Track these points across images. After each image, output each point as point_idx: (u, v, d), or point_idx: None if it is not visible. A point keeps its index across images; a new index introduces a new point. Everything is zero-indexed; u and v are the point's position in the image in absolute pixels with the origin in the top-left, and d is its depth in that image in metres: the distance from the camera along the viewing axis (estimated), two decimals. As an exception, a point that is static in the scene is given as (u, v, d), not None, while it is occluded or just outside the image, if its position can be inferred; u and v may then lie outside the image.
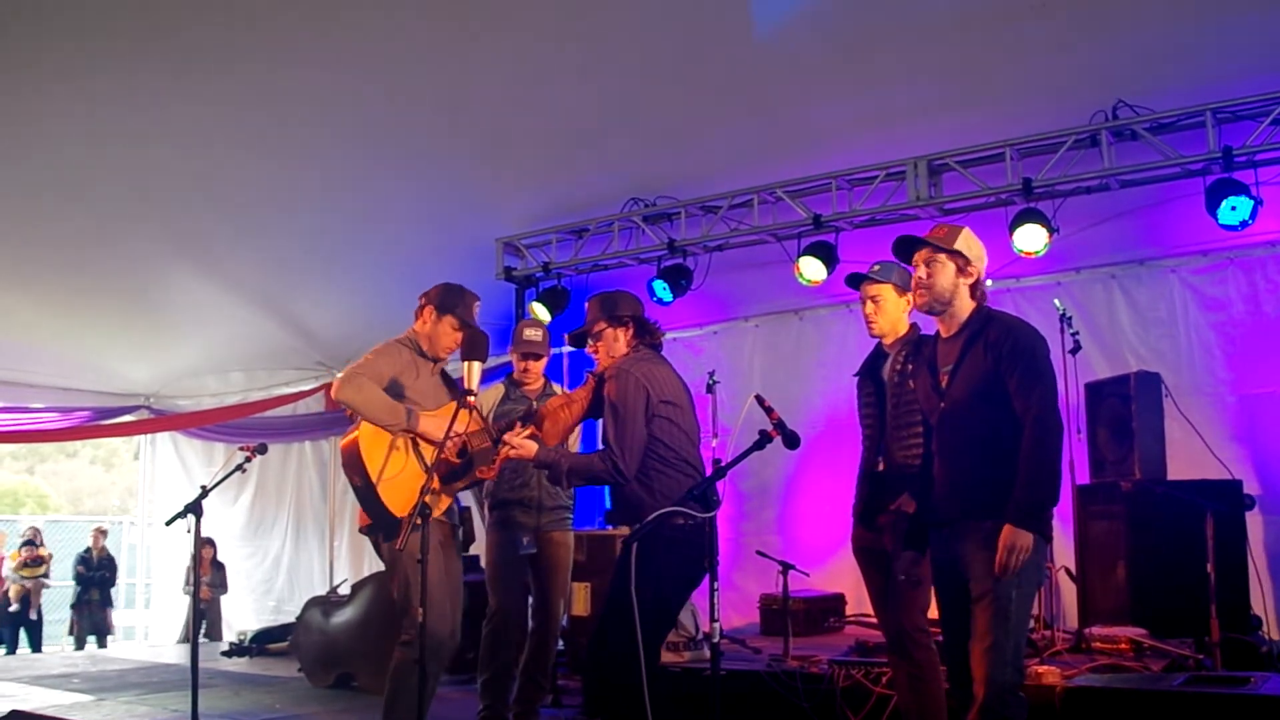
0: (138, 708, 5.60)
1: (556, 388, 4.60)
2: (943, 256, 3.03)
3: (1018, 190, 5.12)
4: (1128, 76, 4.85)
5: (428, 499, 3.32)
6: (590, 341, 3.62)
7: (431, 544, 3.50)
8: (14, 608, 10.34)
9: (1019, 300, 6.06)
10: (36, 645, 10.35)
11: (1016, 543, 2.73)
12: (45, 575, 10.72)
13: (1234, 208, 4.69)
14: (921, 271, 3.07)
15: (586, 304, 3.67)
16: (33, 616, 10.46)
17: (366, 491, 3.54)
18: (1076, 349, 5.14)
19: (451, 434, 3.44)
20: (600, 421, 3.53)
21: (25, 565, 10.51)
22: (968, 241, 3.06)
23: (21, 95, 5.43)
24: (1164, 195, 5.34)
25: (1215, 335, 5.74)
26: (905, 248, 3.18)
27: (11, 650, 10.16)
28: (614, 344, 3.56)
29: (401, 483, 3.56)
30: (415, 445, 3.64)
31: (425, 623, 3.28)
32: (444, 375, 3.91)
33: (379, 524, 3.60)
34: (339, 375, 3.65)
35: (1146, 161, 4.94)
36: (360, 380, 3.56)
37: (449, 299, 3.77)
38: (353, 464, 3.55)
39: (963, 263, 3.02)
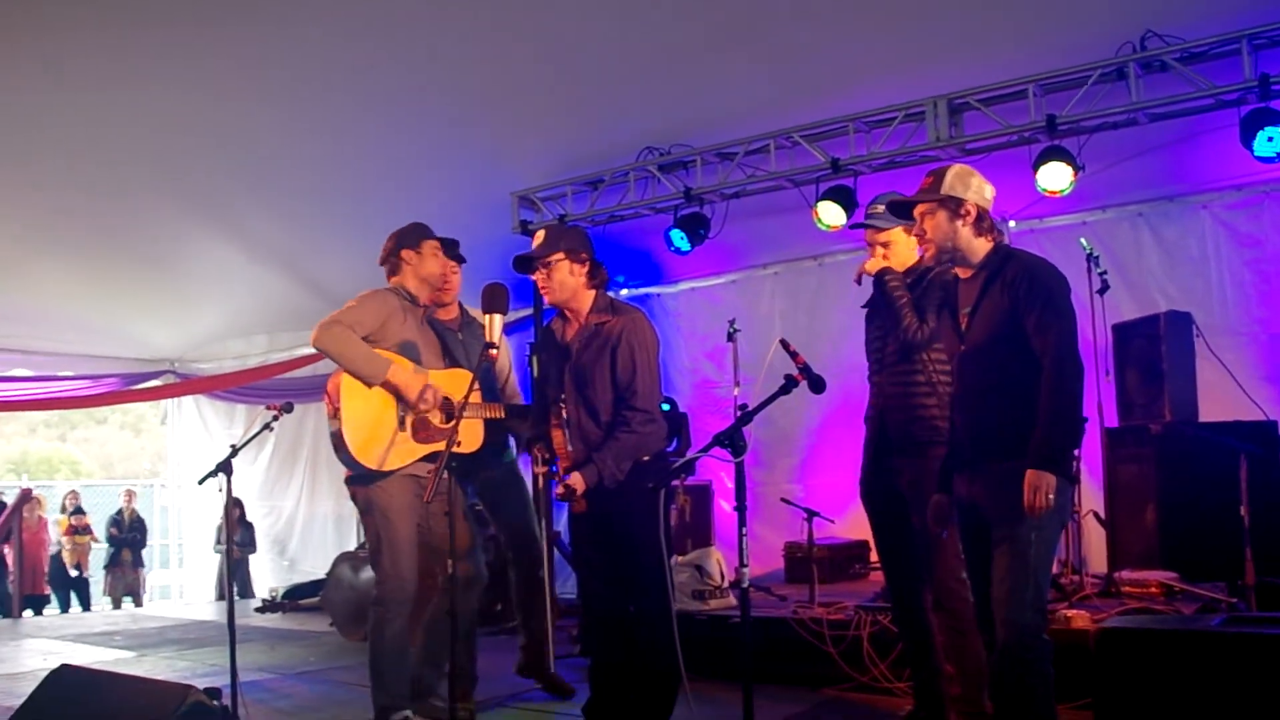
0: (178, 663, 5.74)
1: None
2: (931, 206, 2.96)
3: (1041, 128, 4.97)
4: (1156, 4, 4.67)
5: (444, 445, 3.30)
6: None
7: (404, 501, 3.57)
8: (73, 572, 10.81)
9: (1043, 241, 5.95)
10: (86, 604, 10.77)
11: (1040, 484, 2.68)
12: (93, 538, 11.15)
13: (1271, 138, 4.50)
14: (920, 226, 3.02)
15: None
16: (85, 575, 10.92)
17: (335, 431, 3.60)
18: (1104, 289, 5.04)
19: (425, 399, 3.54)
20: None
21: (75, 532, 10.83)
22: (956, 180, 2.95)
23: (44, 62, 5.39)
24: (1195, 128, 5.17)
25: (1249, 272, 5.61)
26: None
27: (64, 609, 10.59)
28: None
29: (367, 424, 3.57)
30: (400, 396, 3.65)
31: (454, 573, 3.29)
32: (432, 325, 3.96)
33: (344, 464, 3.63)
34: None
35: (1177, 94, 4.76)
36: (338, 328, 3.60)
37: (413, 233, 3.83)
38: (332, 401, 3.64)
39: (954, 205, 2.92)
